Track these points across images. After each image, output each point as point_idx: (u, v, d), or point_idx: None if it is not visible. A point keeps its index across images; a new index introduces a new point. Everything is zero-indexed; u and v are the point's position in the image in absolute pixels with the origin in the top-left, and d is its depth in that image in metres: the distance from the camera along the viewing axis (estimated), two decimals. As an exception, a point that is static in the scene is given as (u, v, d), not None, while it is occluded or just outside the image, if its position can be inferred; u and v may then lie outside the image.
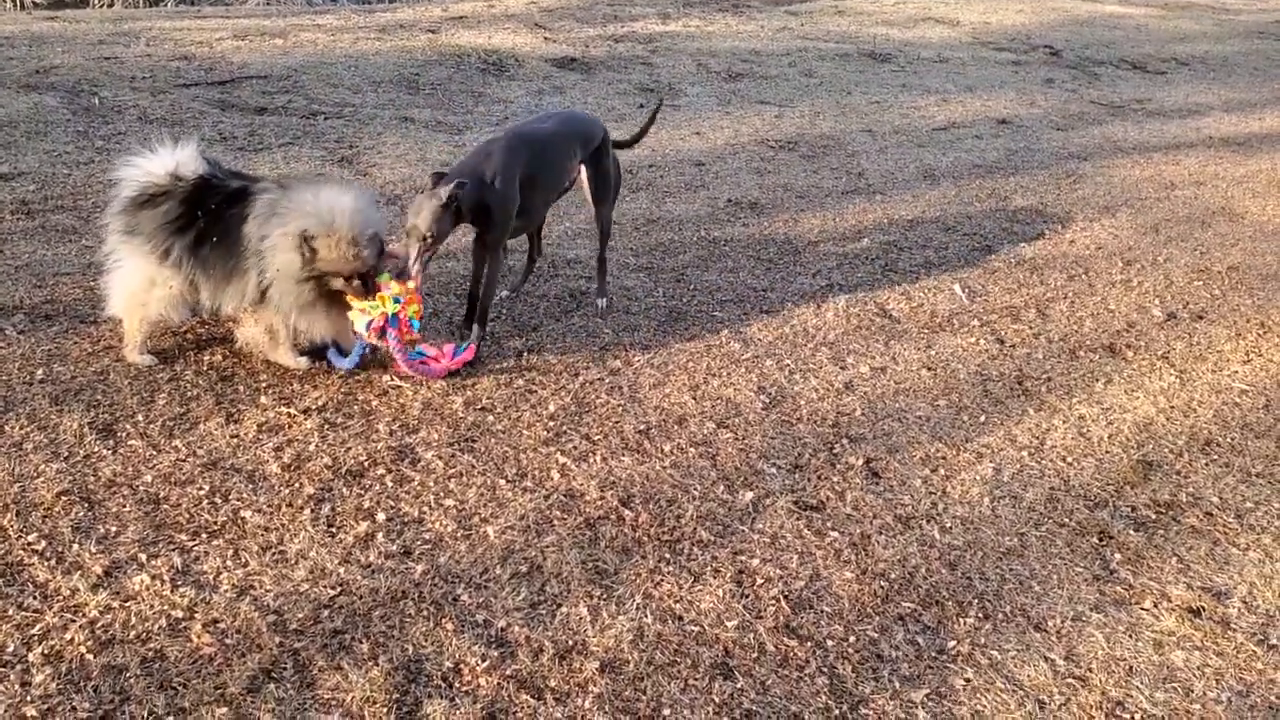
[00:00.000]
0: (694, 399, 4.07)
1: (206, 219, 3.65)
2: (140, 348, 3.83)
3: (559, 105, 7.84)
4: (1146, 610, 3.17)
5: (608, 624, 2.87)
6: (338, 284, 3.70)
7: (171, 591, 2.80)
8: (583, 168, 4.55)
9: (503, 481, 3.43)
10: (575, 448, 3.67)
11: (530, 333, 4.42)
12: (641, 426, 3.84)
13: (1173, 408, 4.39)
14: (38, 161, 5.59)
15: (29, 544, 2.90)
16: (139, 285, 3.71)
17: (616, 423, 3.84)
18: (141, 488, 3.19)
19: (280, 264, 3.64)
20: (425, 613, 2.84)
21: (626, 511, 3.35)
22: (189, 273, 3.67)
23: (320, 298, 3.74)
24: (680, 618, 2.93)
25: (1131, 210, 6.88)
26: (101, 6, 10.89)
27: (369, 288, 3.73)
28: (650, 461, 3.63)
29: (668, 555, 3.17)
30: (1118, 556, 3.40)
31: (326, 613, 2.80)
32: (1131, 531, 3.54)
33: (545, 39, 9.59)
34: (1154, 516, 3.64)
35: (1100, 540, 3.48)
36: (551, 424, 3.78)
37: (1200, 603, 3.22)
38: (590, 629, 2.85)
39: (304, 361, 3.95)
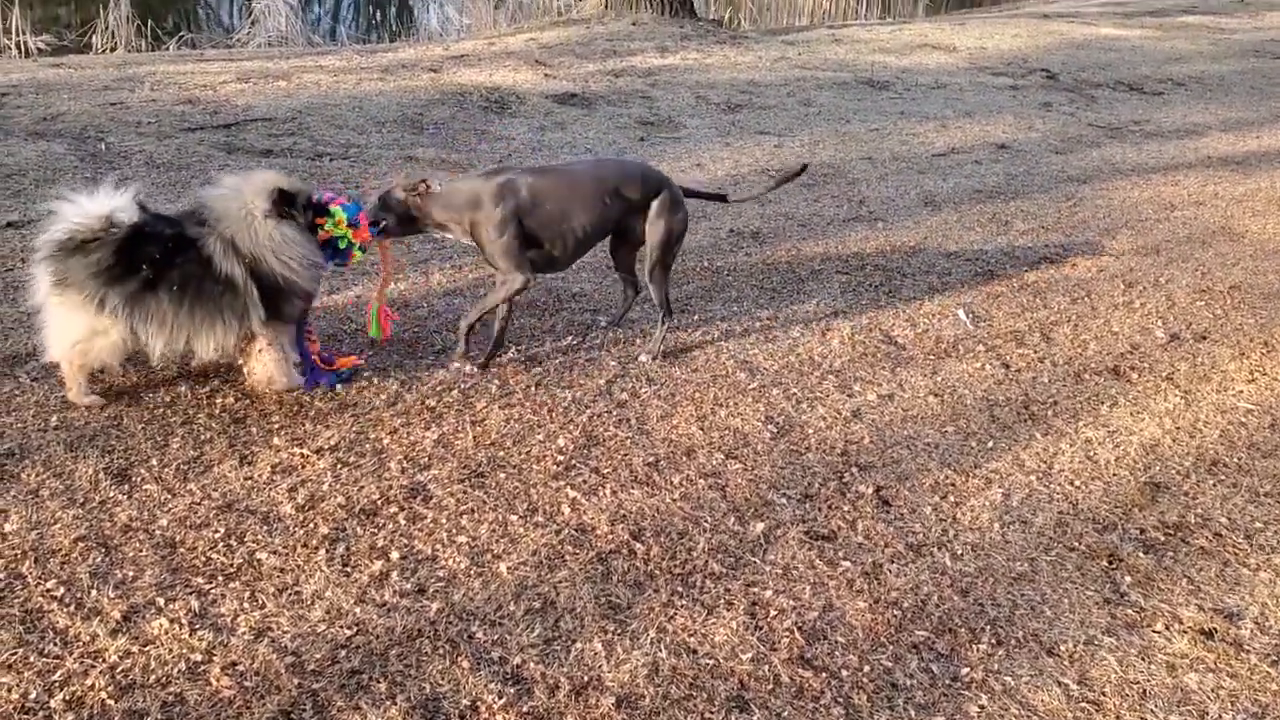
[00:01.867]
0: (702, 430, 4.09)
1: (154, 269, 3.62)
2: (84, 390, 3.84)
3: (561, 141, 7.91)
4: (1158, 633, 3.18)
5: (622, 659, 2.89)
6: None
7: (190, 635, 2.82)
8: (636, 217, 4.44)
9: (514, 517, 3.46)
10: (585, 481, 3.69)
11: (536, 367, 4.45)
12: (650, 459, 3.86)
13: (1179, 429, 4.41)
14: (47, 209, 5.63)
15: (48, 590, 2.93)
16: (80, 334, 3.68)
17: (625, 455, 3.87)
18: (158, 532, 3.22)
19: (290, 241, 3.82)
20: (441, 651, 2.86)
21: (638, 545, 3.37)
22: (129, 322, 3.64)
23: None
24: (695, 651, 2.95)
25: (1132, 232, 6.92)
26: (104, 51, 11.00)
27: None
28: (660, 494, 3.66)
29: (680, 588, 3.19)
30: (1128, 579, 3.42)
31: (344, 653, 2.82)
32: (1141, 554, 3.56)
33: (546, 75, 9.68)
34: (1163, 538, 3.66)
35: (1110, 563, 3.49)
36: (561, 458, 3.81)
37: (1212, 624, 3.24)
38: (605, 664, 2.87)
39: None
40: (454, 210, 4.21)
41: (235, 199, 3.81)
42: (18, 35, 10.86)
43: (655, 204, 4.41)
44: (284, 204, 3.81)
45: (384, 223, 4.15)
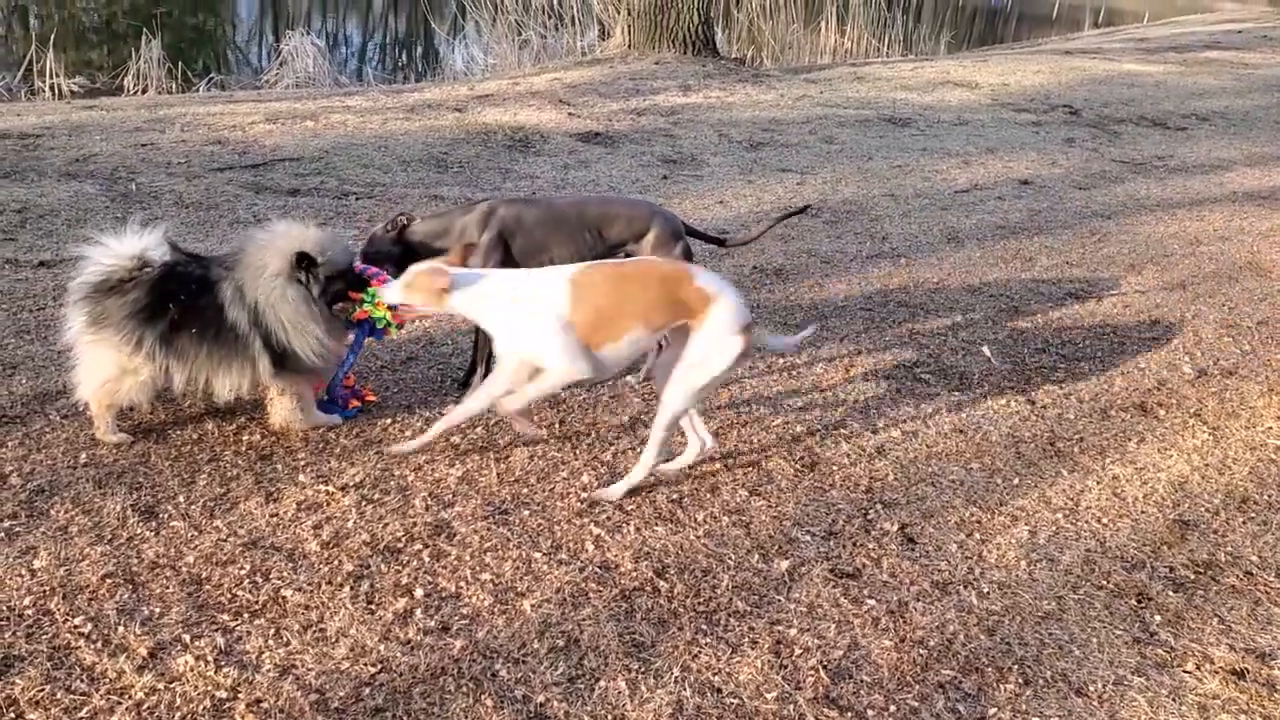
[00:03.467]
0: (725, 466, 4.09)
1: (180, 309, 3.67)
2: (112, 428, 3.87)
3: (585, 179, 7.97)
4: (1189, 673, 3.14)
5: (646, 697, 2.88)
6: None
7: (215, 672, 2.83)
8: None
9: (538, 554, 3.46)
10: (609, 518, 3.69)
11: (560, 404, 4.47)
12: (674, 495, 3.86)
13: (1207, 466, 4.37)
14: (78, 251, 5.72)
15: (75, 627, 2.95)
16: (110, 373, 3.73)
17: (649, 492, 3.87)
18: (184, 568, 3.24)
19: (288, 301, 3.74)
20: (465, 689, 2.86)
21: (662, 583, 3.36)
22: (162, 361, 3.69)
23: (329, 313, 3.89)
24: (719, 690, 2.93)
25: (1158, 267, 6.89)
26: (136, 93, 11.18)
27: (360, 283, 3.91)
28: (684, 531, 3.65)
29: (704, 626, 3.18)
30: (1157, 618, 3.38)
31: (368, 690, 2.82)
32: (1170, 592, 3.52)
33: (569, 114, 9.77)
34: (1193, 577, 3.62)
35: (1139, 602, 3.46)
36: (585, 495, 3.81)
37: (1244, 664, 3.19)
38: (629, 703, 2.86)
39: (336, 418, 4.13)
40: (441, 241, 4.25)
41: (262, 249, 3.80)
42: (52, 78, 11.06)
43: (648, 241, 4.40)
44: (299, 267, 3.73)
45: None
